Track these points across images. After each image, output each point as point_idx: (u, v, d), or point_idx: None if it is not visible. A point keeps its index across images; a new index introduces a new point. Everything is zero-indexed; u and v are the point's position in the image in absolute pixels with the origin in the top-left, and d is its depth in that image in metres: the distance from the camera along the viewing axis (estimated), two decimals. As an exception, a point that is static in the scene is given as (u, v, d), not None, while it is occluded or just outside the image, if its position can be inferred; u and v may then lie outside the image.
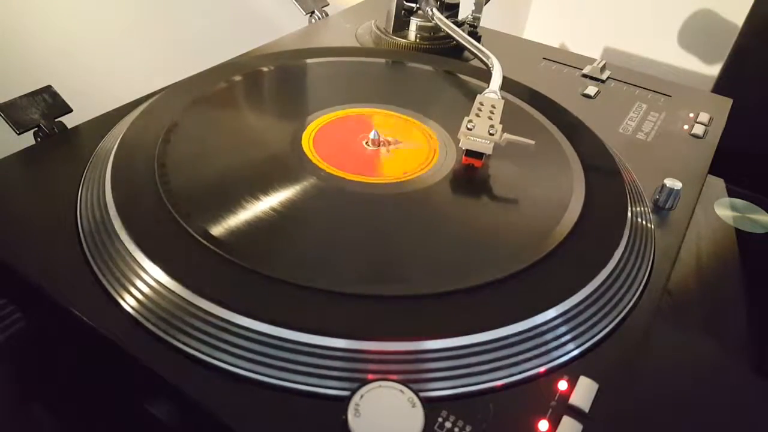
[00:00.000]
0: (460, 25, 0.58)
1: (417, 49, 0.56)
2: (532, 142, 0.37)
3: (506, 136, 0.37)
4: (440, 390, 0.25)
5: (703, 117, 0.49)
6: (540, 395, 0.25)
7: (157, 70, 0.54)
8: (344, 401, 0.23)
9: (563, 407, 0.25)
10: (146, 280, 0.27)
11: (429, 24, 0.56)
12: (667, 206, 0.38)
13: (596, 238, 0.33)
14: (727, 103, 0.53)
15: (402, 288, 0.28)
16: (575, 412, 0.25)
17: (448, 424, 0.24)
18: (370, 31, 0.59)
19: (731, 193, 0.52)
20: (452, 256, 0.31)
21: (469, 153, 0.37)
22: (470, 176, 0.37)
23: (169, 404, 0.27)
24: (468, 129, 0.37)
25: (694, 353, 0.36)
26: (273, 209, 0.32)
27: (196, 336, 0.26)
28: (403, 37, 0.57)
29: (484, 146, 0.37)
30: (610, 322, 0.29)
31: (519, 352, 0.26)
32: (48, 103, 0.38)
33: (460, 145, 0.37)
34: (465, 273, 0.29)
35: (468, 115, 0.38)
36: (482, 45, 0.51)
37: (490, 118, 0.38)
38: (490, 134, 0.36)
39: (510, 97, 0.46)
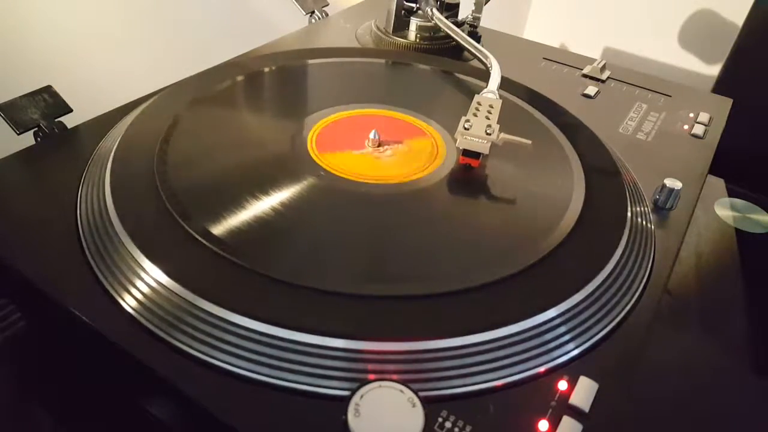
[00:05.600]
0: (460, 25, 0.58)
1: (417, 49, 0.56)
2: (529, 141, 0.37)
3: (503, 135, 0.37)
4: (440, 390, 0.25)
5: (703, 117, 0.49)
6: (540, 395, 0.25)
7: (157, 70, 0.54)
8: (344, 401, 0.23)
9: (563, 407, 0.25)
10: (146, 280, 0.27)
11: (429, 24, 0.56)
12: (667, 206, 0.38)
13: (596, 238, 0.33)
14: (727, 103, 0.53)
15: (402, 288, 0.28)
16: (575, 412, 0.25)
17: (448, 424, 0.24)
18: (370, 31, 0.59)
19: (731, 193, 0.52)
20: (452, 257, 0.31)
21: (466, 153, 0.37)
22: (471, 177, 0.37)
23: (169, 404, 0.27)
24: (465, 129, 0.37)
25: (694, 353, 0.36)
26: (273, 209, 0.32)
27: (196, 336, 0.26)
28: (403, 37, 0.57)
29: (481, 146, 0.37)
30: (610, 322, 0.29)
31: (519, 352, 0.26)
32: (48, 103, 0.38)
33: (456, 144, 0.37)
34: (465, 273, 0.29)
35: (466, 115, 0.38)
36: (482, 45, 0.51)
37: (488, 118, 0.38)
38: (487, 134, 0.36)
39: (510, 97, 0.46)
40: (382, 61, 0.51)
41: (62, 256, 0.30)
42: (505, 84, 0.46)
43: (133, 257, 0.28)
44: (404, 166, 0.37)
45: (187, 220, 0.30)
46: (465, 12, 0.61)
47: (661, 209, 0.38)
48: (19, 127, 0.37)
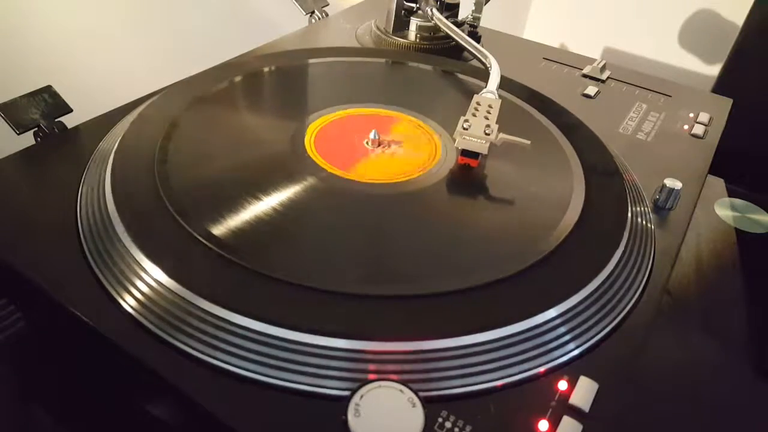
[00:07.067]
0: (460, 25, 0.58)
1: (417, 49, 0.56)
2: (528, 142, 0.37)
3: (502, 135, 0.37)
4: (440, 390, 0.25)
5: (703, 117, 0.49)
6: (540, 395, 0.25)
7: (157, 70, 0.54)
8: (344, 401, 0.23)
9: (563, 407, 0.25)
10: (146, 280, 0.27)
11: (429, 24, 0.56)
12: (667, 206, 0.38)
13: (596, 238, 0.33)
14: (727, 103, 0.53)
15: (402, 288, 0.28)
16: (575, 412, 0.25)
17: (448, 424, 0.24)
18: (370, 31, 0.59)
19: (731, 193, 0.52)
20: (452, 256, 0.31)
21: (465, 153, 0.37)
22: (470, 177, 0.37)
23: (169, 404, 0.27)
24: (464, 129, 0.37)
25: (694, 353, 0.36)
26: (273, 209, 0.32)
27: (196, 336, 0.26)
28: (403, 37, 0.57)
29: (480, 146, 0.37)
30: (610, 322, 0.29)
31: (519, 352, 0.26)
32: (48, 103, 0.38)
33: (455, 144, 0.37)
34: (465, 273, 0.29)
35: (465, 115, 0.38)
36: (482, 45, 0.51)
37: (487, 118, 0.38)
38: (486, 134, 0.36)
39: (510, 97, 0.46)
40: (382, 61, 0.51)
41: (62, 256, 0.30)
42: (505, 84, 0.46)
43: (133, 257, 0.28)
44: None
45: (187, 220, 0.30)
46: (465, 12, 0.61)
47: (661, 209, 0.38)
48: (19, 127, 0.37)
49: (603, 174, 0.38)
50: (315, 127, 0.40)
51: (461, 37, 0.53)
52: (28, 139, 0.37)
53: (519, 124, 0.41)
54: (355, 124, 0.41)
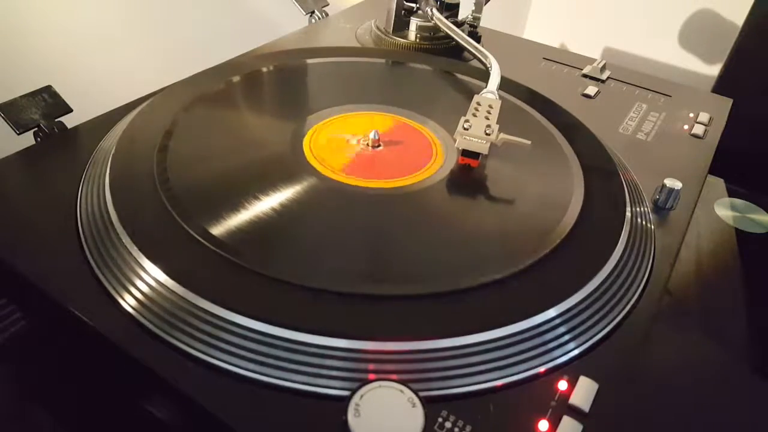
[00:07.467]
0: (460, 25, 0.58)
1: (417, 49, 0.56)
2: (528, 142, 0.37)
3: (502, 136, 0.37)
4: (440, 390, 0.25)
5: (703, 117, 0.49)
6: (540, 395, 0.25)
7: (157, 70, 0.54)
8: (344, 401, 0.23)
9: (563, 407, 0.25)
10: (146, 280, 0.27)
11: (429, 24, 0.56)
12: (667, 206, 0.38)
13: (596, 238, 0.33)
14: (727, 103, 0.53)
15: (402, 288, 0.28)
16: (575, 412, 0.25)
17: (448, 424, 0.24)
18: (370, 31, 0.59)
19: (731, 193, 0.52)
20: (452, 257, 0.31)
21: (466, 153, 0.37)
22: (470, 177, 0.37)
23: (169, 404, 0.27)
24: (464, 129, 0.37)
25: (694, 353, 0.36)
26: (273, 209, 0.32)
27: (196, 336, 0.26)
28: (403, 37, 0.57)
29: (481, 146, 0.37)
30: (610, 322, 0.29)
31: (519, 352, 0.26)
32: (48, 103, 0.38)
33: (456, 145, 0.37)
34: (465, 273, 0.29)
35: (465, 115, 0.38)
36: (482, 45, 0.51)
37: (487, 118, 0.38)
38: (487, 134, 0.36)
39: (510, 97, 0.46)
40: (382, 61, 0.51)
41: (62, 256, 0.30)
42: (505, 84, 0.46)
43: (133, 257, 0.28)
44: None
45: (187, 220, 0.30)
46: (465, 12, 0.61)
47: (661, 209, 0.38)
48: (19, 127, 0.37)
49: (602, 174, 0.38)
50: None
51: (461, 37, 0.53)
52: (28, 139, 0.37)
53: (519, 125, 0.41)
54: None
